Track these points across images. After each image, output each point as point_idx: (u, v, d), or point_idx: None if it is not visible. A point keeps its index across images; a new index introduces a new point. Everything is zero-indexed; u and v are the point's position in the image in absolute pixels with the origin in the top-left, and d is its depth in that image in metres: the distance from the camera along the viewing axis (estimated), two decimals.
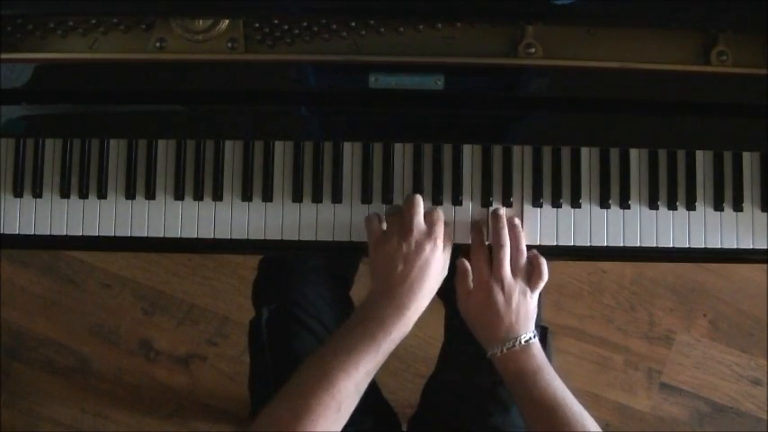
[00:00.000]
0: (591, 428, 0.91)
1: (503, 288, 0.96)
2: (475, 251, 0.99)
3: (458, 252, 1.00)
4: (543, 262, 0.99)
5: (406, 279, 0.93)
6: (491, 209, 1.01)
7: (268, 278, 1.22)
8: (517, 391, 0.96)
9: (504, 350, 0.95)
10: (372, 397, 1.18)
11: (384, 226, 0.98)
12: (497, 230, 0.99)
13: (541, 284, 0.99)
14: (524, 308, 0.97)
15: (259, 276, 1.24)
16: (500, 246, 0.98)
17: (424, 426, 1.16)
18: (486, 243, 1.00)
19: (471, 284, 0.98)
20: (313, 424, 0.84)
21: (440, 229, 0.96)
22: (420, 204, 0.97)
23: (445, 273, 0.97)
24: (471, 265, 0.98)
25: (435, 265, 0.95)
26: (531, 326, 0.97)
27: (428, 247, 0.94)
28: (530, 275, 0.98)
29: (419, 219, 0.96)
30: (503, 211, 1.00)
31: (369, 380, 0.91)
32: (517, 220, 1.00)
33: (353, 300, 1.24)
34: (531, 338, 0.96)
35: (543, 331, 1.15)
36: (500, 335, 0.96)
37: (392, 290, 0.93)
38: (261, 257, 1.26)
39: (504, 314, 0.96)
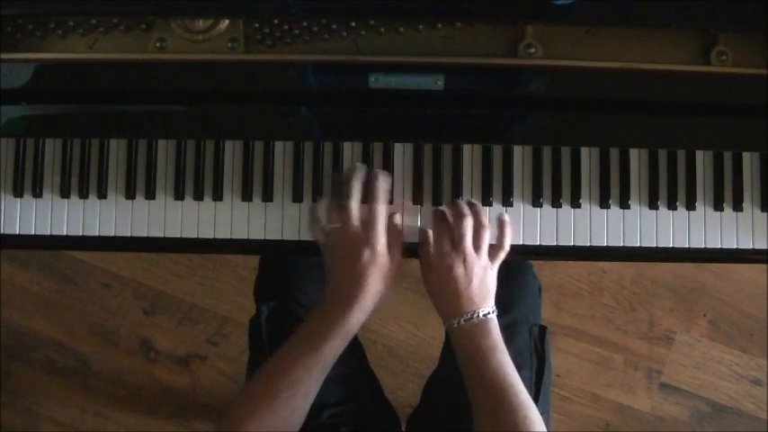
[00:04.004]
0: (534, 416, 0.90)
1: (464, 260, 0.96)
2: (437, 223, 0.99)
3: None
4: (507, 233, 0.99)
5: (350, 285, 0.94)
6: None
7: (268, 276, 1.23)
8: (469, 370, 0.95)
9: (462, 322, 0.95)
10: (373, 397, 1.18)
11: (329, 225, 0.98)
12: (456, 204, 0.99)
13: (502, 255, 0.99)
14: (485, 282, 0.96)
15: (260, 274, 1.24)
16: (461, 216, 0.97)
17: (424, 422, 1.16)
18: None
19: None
20: (247, 420, 0.90)
21: (376, 232, 0.95)
22: (354, 208, 0.95)
23: (391, 270, 0.96)
24: (434, 236, 0.98)
25: (377, 268, 0.95)
26: (491, 301, 0.97)
27: (378, 256, 0.94)
28: (491, 249, 0.99)
29: (353, 226, 0.95)
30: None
31: (312, 377, 0.93)
32: (476, 200, 1.00)
33: None
34: (489, 313, 0.95)
35: (542, 330, 1.15)
36: (459, 307, 0.95)
37: (339, 291, 0.95)
38: (261, 255, 1.26)
39: (463, 287, 0.95)
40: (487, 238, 0.98)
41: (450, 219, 0.98)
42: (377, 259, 0.95)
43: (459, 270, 0.95)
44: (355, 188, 0.96)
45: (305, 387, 0.92)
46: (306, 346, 0.93)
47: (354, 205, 0.96)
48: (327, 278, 0.97)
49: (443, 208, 1.00)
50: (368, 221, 0.96)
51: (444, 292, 0.97)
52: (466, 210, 0.98)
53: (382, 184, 0.97)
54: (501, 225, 1.00)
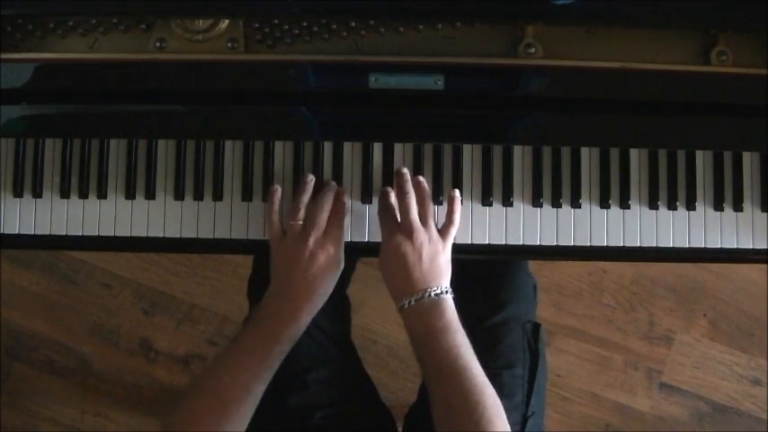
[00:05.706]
0: (488, 402, 0.87)
1: (411, 239, 0.94)
2: (381, 207, 0.99)
3: None
4: (456, 208, 0.98)
5: (300, 285, 0.94)
6: (396, 168, 1.01)
7: (262, 276, 1.22)
8: (421, 354, 0.92)
9: (413, 302, 0.92)
10: (367, 399, 1.18)
11: (286, 220, 0.98)
12: (400, 184, 0.98)
13: (453, 231, 0.98)
14: (436, 259, 0.95)
15: (253, 275, 1.24)
16: (404, 194, 0.97)
17: (422, 420, 1.15)
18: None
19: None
20: (195, 425, 0.89)
21: (336, 236, 0.96)
22: (324, 214, 0.96)
23: (340, 268, 0.97)
24: (381, 216, 0.98)
25: (329, 269, 0.95)
26: (444, 281, 0.95)
27: (322, 256, 0.95)
28: (442, 226, 0.98)
29: (318, 230, 0.95)
30: (405, 170, 1.00)
31: (260, 380, 0.92)
32: (422, 178, 0.99)
33: (349, 298, 1.23)
34: (441, 293, 0.93)
35: (536, 328, 1.14)
36: (410, 287, 0.93)
37: (287, 294, 0.94)
38: (255, 256, 1.25)
39: (413, 265, 0.93)
40: (432, 213, 0.97)
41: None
42: (334, 262, 0.95)
43: (407, 248, 0.94)
44: (326, 196, 0.97)
45: (254, 393, 0.91)
46: (257, 349, 0.92)
47: (325, 210, 0.96)
48: (278, 273, 0.96)
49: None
50: (330, 223, 0.96)
51: (394, 272, 0.95)
52: (408, 188, 0.97)
53: (345, 196, 0.99)
54: (450, 200, 0.99)
